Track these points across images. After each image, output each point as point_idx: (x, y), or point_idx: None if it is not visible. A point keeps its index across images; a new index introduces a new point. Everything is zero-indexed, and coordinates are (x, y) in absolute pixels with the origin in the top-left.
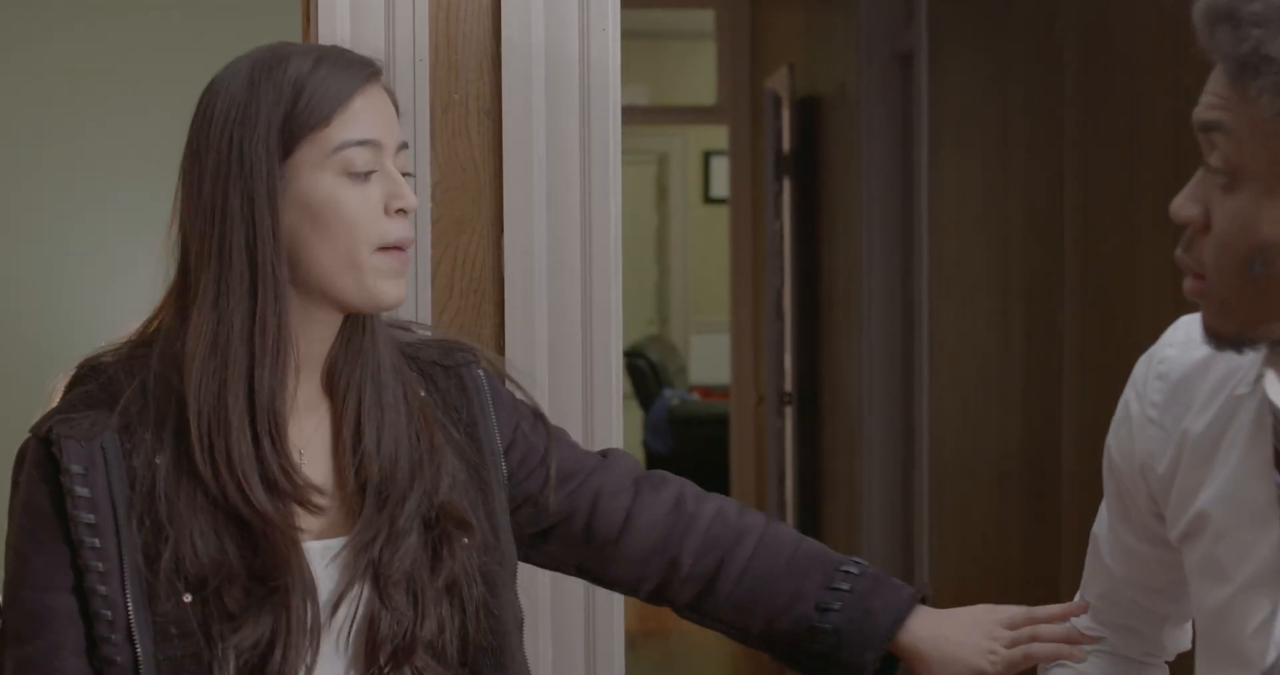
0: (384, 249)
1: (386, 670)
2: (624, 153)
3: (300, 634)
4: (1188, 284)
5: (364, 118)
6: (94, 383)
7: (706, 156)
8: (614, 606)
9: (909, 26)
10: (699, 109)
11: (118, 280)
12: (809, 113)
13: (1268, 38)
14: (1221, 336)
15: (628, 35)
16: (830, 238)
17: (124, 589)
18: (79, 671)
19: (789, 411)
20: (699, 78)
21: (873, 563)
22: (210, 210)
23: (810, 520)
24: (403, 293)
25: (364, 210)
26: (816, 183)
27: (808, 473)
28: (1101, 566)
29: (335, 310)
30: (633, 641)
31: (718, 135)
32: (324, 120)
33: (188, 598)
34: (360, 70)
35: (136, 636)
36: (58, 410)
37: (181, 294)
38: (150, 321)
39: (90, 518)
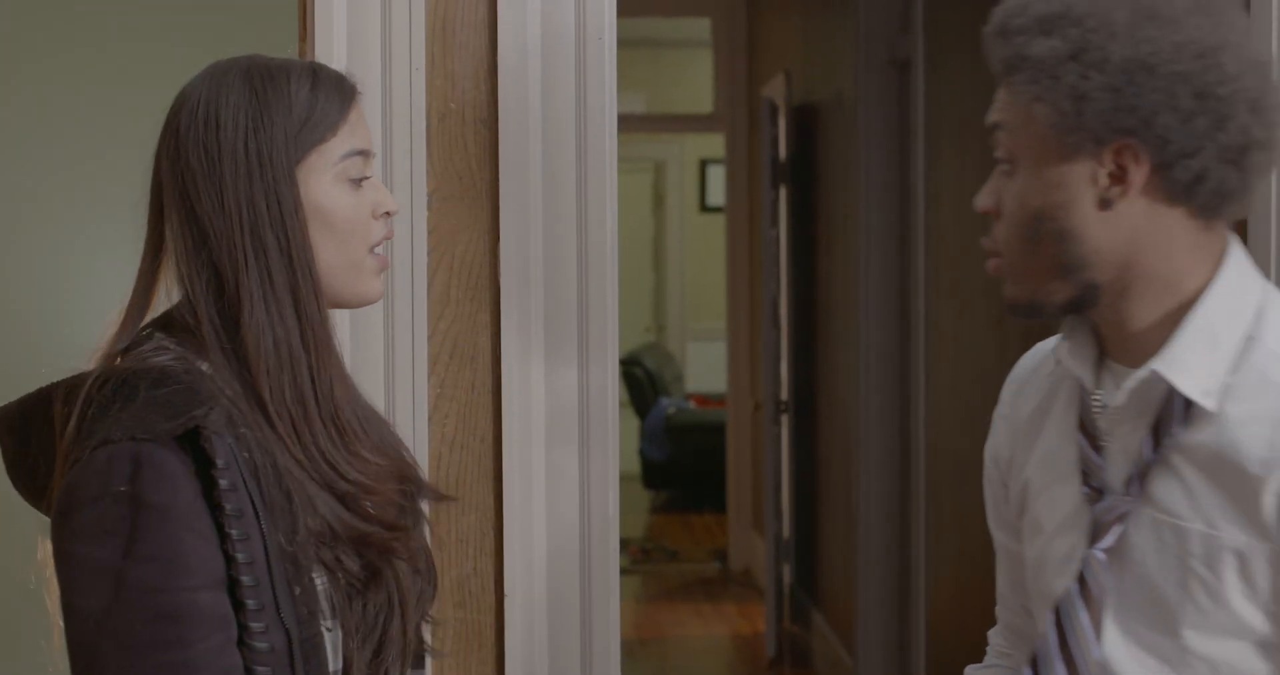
0: (372, 249)
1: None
2: (620, 161)
3: (410, 594)
4: (989, 264)
5: (358, 130)
6: (171, 385)
7: (703, 164)
8: (610, 614)
9: (906, 34)
10: (695, 117)
11: (118, 283)
12: (806, 120)
13: (1026, 43)
14: (1017, 304)
15: (624, 43)
16: (827, 245)
17: (270, 574)
18: (239, 665)
19: (786, 419)
20: (695, 86)
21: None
22: (237, 214)
23: (807, 528)
24: (384, 289)
25: (360, 213)
26: (813, 190)
27: (805, 481)
28: (999, 571)
29: None
30: (629, 649)
31: (714, 143)
32: (331, 131)
33: (317, 575)
34: (349, 86)
35: (286, 619)
36: (157, 413)
37: (218, 297)
38: (130, 317)
39: (236, 509)
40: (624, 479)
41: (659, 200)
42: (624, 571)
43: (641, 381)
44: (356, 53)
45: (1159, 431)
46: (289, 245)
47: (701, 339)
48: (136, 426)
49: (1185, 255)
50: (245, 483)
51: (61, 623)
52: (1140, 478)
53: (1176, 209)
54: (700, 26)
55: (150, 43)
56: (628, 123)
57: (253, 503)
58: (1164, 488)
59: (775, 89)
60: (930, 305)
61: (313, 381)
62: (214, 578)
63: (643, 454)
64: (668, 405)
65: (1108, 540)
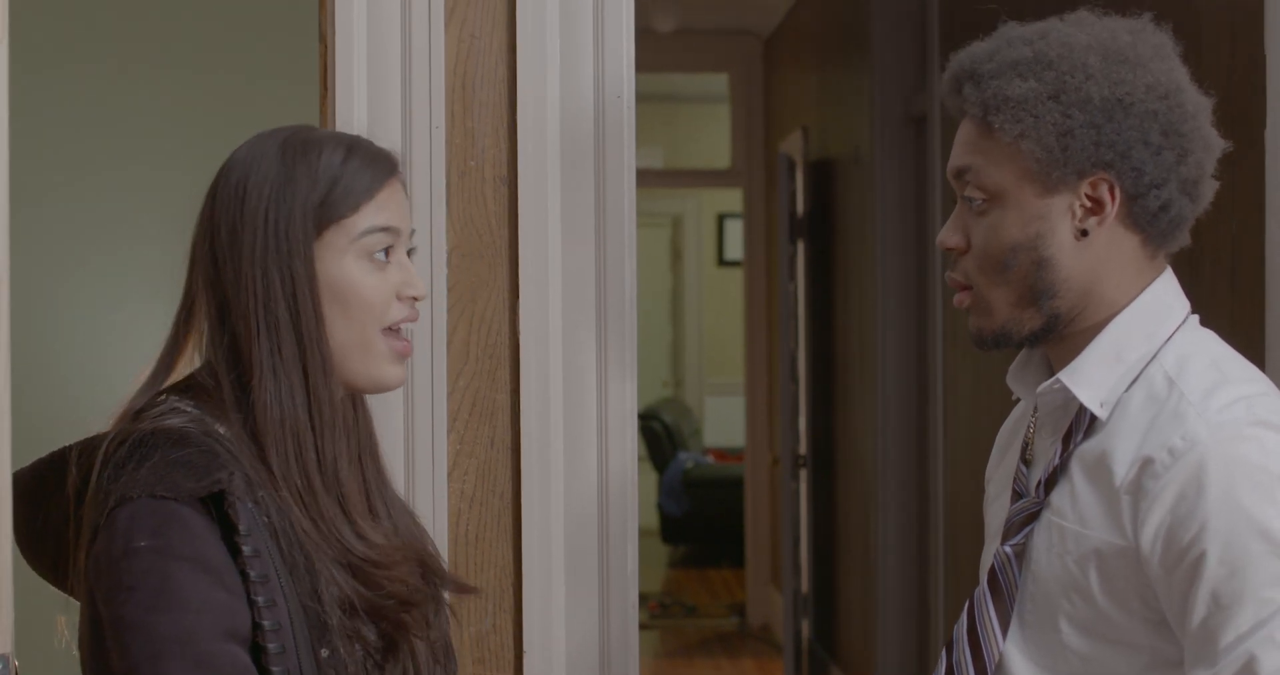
0: (389, 331)
1: None
2: (638, 215)
3: (429, 664)
4: (957, 298)
5: (389, 207)
6: (190, 447)
7: (721, 219)
8: (629, 669)
9: (922, 89)
10: (713, 172)
11: (133, 340)
12: (823, 175)
13: (1003, 84)
14: (984, 335)
15: (642, 99)
16: (844, 300)
17: (294, 639)
18: None
19: (804, 474)
20: (713, 141)
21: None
22: (251, 286)
23: (825, 583)
24: (404, 376)
25: (379, 294)
26: (830, 245)
27: (823, 535)
28: None
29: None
30: None
31: (732, 198)
32: (353, 209)
33: (338, 641)
34: (385, 164)
35: None
36: (178, 473)
37: (234, 365)
38: (155, 376)
39: (261, 575)
40: (642, 533)
41: (676, 254)
42: (642, 627)
43: (659, 436)
44: (377, 111)
45: (1067, 440)
46: (299, 320)
47: (719, 393)
48: (157, 484)
49: (1130, 282)
50: (267, 548)
51: None
52: (1046, 483)
53: (1136, 237)
54: (718, 82)
55: (174, 105)
56: (645, 177)
57: (275, 568)
58: (1059, 491)
59: (792, 144)
60: (948, 359)
61: (318, 459)
62: (243, 636)
63: (661, 508)
64: (686, 460)
65: (1016, 539)
